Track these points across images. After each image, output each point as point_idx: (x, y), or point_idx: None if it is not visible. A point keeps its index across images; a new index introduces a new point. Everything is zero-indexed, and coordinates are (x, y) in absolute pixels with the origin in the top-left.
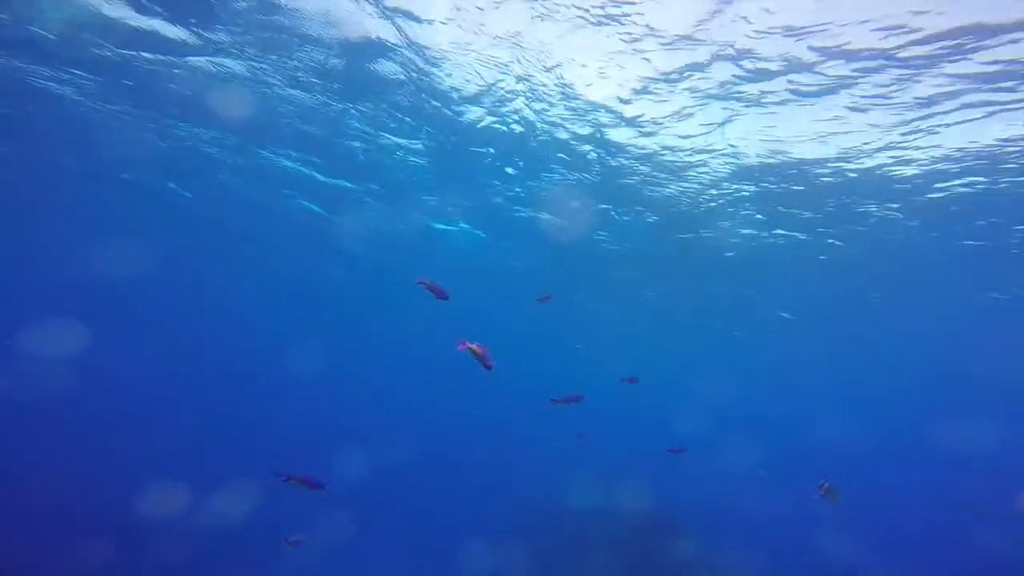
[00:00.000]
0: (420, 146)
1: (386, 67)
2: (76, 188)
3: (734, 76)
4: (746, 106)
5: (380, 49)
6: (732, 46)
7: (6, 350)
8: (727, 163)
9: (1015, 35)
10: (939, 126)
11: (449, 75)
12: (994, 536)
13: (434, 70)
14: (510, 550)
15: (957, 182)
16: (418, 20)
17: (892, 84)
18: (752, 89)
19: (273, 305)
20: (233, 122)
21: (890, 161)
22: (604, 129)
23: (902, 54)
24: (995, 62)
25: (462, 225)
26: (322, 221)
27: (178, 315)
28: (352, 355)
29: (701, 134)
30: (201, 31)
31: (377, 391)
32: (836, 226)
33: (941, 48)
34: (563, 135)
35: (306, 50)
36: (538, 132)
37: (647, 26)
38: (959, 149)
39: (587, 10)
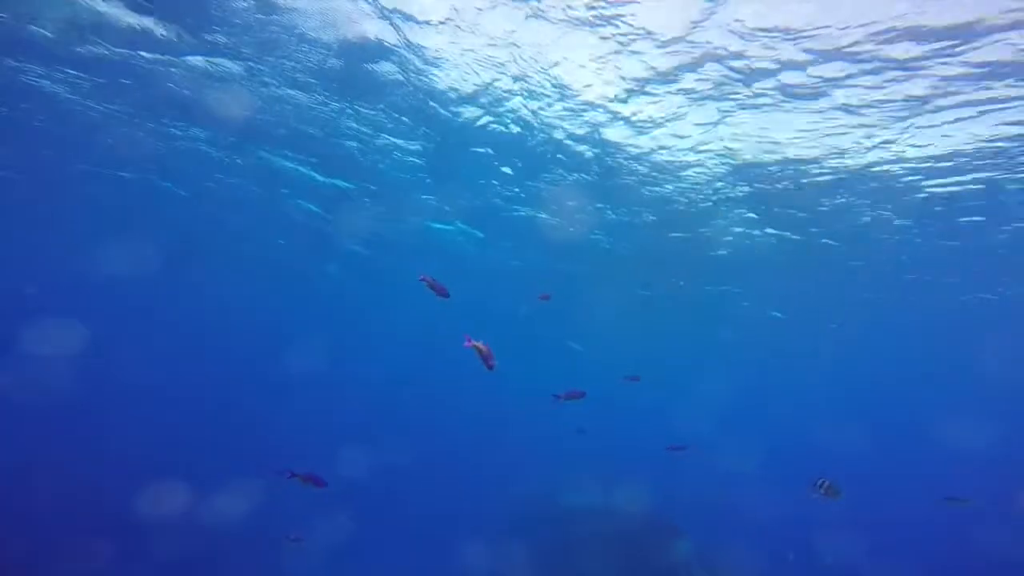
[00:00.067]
0: (418, 146)
1: (384, 67)
2: (74, 188)
3: (726, 76)
4: (741, 107)
5: (378, 49)
6: (726, 47)
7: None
8: (723, 163)
9: (1007, 35)
10: (931, 125)
11: (447, 75)
12: (993, 536)
13: (432, 70)
14: (509, 549)
15: (949, 179)
16: (416, 20)
17: (885, 84)
18: (746, 90)
19: (272, 305)
20: (231, 122)
21: (882, 160)
22: (601, 128)
23: (895, 54)
24: (984, 64)
25: (459, 225)
26: (320, 221)
27: (178, 315)
28: (350, 354)
29: (697, 133)
30: (198, 31)
31: (376, 390)
32: (828, 225)
33: (933, 48)
34: (560, 135)
35: (304, 50)
36: (535, 132)
37: (642, 28)
38: (952, 149)
39: (579, 11)
